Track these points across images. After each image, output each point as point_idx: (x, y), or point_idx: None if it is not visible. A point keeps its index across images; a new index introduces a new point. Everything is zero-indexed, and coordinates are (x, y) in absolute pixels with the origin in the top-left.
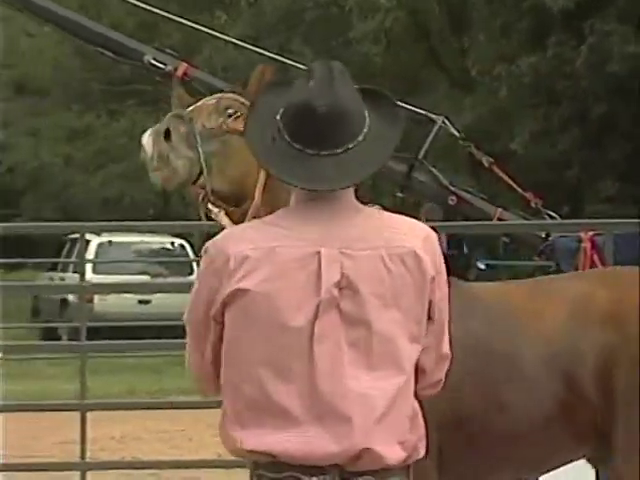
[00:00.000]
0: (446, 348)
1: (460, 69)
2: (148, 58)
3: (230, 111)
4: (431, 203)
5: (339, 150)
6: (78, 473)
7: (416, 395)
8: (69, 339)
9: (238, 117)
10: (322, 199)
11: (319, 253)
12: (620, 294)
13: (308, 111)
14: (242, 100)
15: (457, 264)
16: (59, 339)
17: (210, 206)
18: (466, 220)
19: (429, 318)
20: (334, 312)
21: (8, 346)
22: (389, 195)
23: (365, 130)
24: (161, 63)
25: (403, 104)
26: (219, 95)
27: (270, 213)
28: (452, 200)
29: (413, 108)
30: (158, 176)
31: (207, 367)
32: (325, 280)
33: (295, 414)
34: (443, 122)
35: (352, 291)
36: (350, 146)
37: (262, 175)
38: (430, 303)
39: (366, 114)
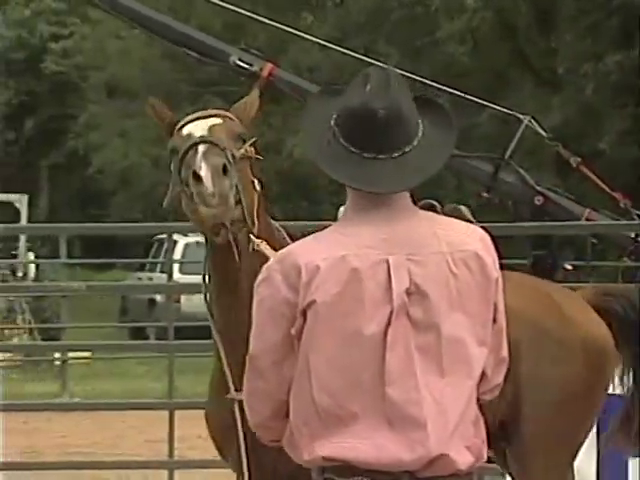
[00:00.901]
0: (505, 352)
1: (547, 68)
2: (234, 59)
3: (243, 137)
4: (454, 204)
5: (396, 154)
6: (166, 471)
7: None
8: (157, 338)
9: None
10: (381, 204)
11: (387, 261)
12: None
13: (367, 115)
14: (240, 123)
15: (543, 264)
16: (147, 338)
17: (252, 237)
18: (553, 220)
19: (493, 321)
20: (404, 319)
21: (97, 345)
22: (474, 195)
23: (419, 135)
24: (247, 64)
25: (489, 104)
26: (213, 112)
27: (265, 240)
28: (539, 200)
29: (499, 108)
30: (215, 213)
31: (281, 397)
32: (395, 288)
33: (367, 422)
34: (529, 122)
35: (421, 297)
36: (406, 150)
37: (256, 200)
38: (494, 305)
39: (419, 120)
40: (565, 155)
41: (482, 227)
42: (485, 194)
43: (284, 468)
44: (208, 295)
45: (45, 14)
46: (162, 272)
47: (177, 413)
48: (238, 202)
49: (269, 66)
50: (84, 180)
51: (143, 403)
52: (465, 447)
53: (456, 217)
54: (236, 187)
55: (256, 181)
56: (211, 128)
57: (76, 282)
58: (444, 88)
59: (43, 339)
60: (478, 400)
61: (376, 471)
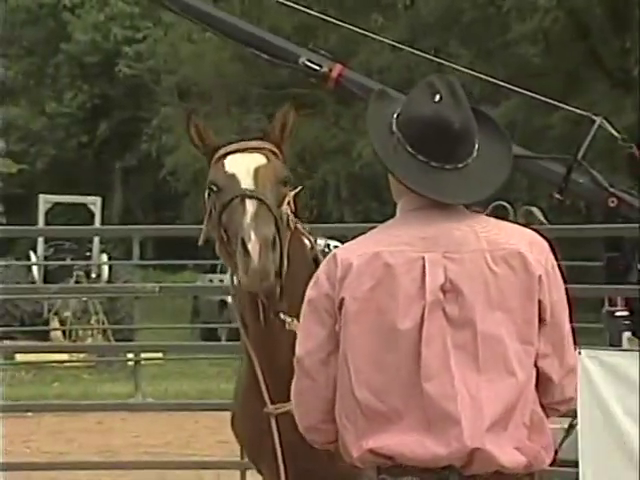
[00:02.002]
0: (572, 360)
1: (621, 69)
2: (303, 60)
3: (288, 179)
4: (526, 206)
5: (460, 165)
6: (238, 472)
7: (545, 410)
8: (228, 340)
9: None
10: (433, 207)
11: (423, 258)
12: None
13: (441, 125)
14: (279, 147)
15: (617, 266)
16: (219, 340)
17: (282, 316)
18: (627, 222)
19: (541, 320)
20: (440, 315)
21: (169, 346)
22: (546, 197)
23: (477, 147)
24: (316, 64)
25: (561, 104)
26: (256, 145)
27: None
28: (612, 202)
29: (571, 108)
30: (255, 285)
31: (329, 396)
32: (429, 284)
33: (408, 417)
34: (602, 122)
35: (456, 294)
36: (469, 162)
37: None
38: (540, 303)
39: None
40: (639, 156)
41: (555, 229)
42: (557, 195)
43: (321, 477)
44: (238, 300)
45: (119, 18)
46: None
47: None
48: (278, 272)
49: (338, 67)
50: (157, 182)
51: (215, 404)
52: (514, 447)
53: (528, 219)
54: (280, 256)
55: (292, 216)
56: (257, 173)
57: (149, 283)
58: (517, 89)
59: (116, 340)
60: (543, 407)
61: (425, 469)
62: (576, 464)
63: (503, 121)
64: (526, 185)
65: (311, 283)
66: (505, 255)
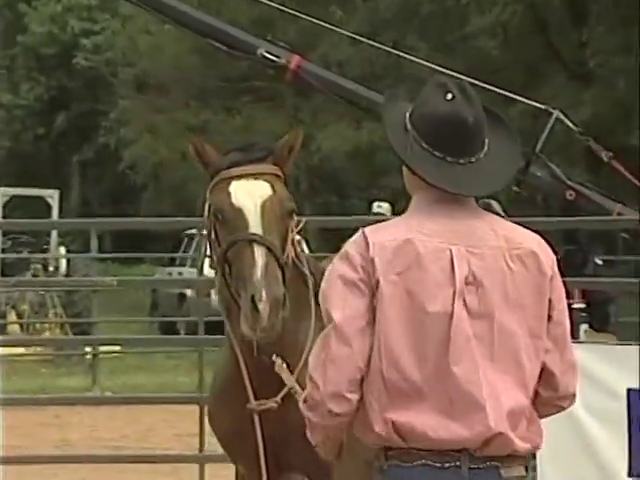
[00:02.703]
0: (572, 356)
1: (578, 62)
2: (261, 51)
3: (292, 211)
4: (485, 199)
5: (473, 159)
6: (196, 465)
7: (548, 406)
8: (187, 333)
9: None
10: (448, 201)
11: (450, 250)
12: None
13: (457, 121)
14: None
15: (574, 259)
16: (177, 333)
17: (274, 358)
18: (584, 215)
19: (548, 318)
20: (461, 304)
21: (128, 339)
22: (505, 189)
23: (487, 143)
24: (274, 56)
25: (519, 97)
26: (261, 170)
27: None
28: (570, 195)
29: (528, 101)
30: (257, 339)
31: (360, 365)
32: (458, 273)
33: (431, 397)
34: (558, 115)
35: (477, 286)
36: (481, 156)
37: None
38: (550, 302)
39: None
40: (596, 150)
41: (512, 222)
42: (515, 188)
43: (301, 472)
44: (221, 294)
45: (76, 10)
46: (192, 267)
47: (207, 407)
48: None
49: (296, 58)
50: (115, 175)
51: (173, 397)
52: (519, 438)
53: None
54: (284, 301)
55: (293, 256)
56: (264, 210)
57: (107, 277)
58: (475, 82)
59: (74, 333)
60: (543, 405)
61: (438, 452)
62: (534, 456)
63: None
64: None
65: (338, 259)
66: (521, 254)
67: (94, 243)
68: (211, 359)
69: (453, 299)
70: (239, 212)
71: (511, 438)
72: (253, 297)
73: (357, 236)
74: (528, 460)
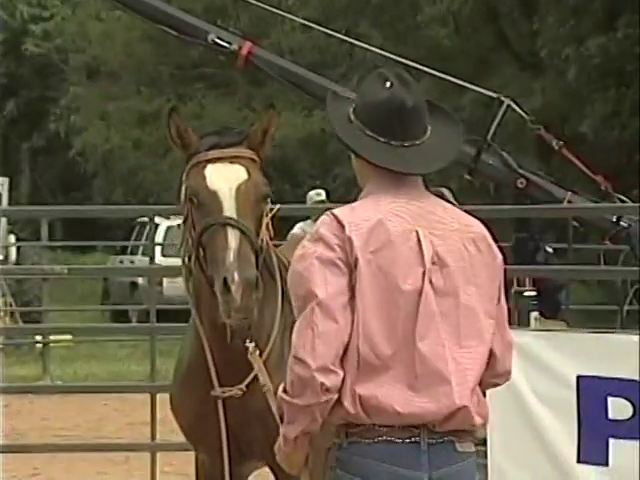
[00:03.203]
0: (509, 335)
1: (529, 51)
2: (212, 37)
3: (268, 196)
4: (437, 187)
5: (418, 142)
6: (148, 454)
7: (484, 384)
8: (139, 321)
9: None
10: (402, 185)
11: (417, 231)
12: None
13: (396, 106)
14: (257, 154)
15: (525, 247)
16: (129, 321)
17: (248, 343)
18: (535, 203)
19: (498, 300)
20: (429, 283)
21: (79, 328)
22: (456, 178)
23: (429, 127)
24: (225, 42)
25: (470, 85)
26: (236, 152)
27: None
28: (521, 183)
29: (480, 89)
30: (235, 323)
31: (345, 340)
32: (426, 252)
33: (397, 372)
34: (510, 104)
35: (441, 266)
36: (425, 139)
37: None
38: (499, 285)
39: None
40: (547, 138)
41: (464, 210)
42: (467, 176)
43: (260, 458)
44: (191, 281)
45: None
46: (144, 255)
47: (159, 396)
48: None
49: (248, 44)
50: (66, 163)
51: (125, 386)
52: (476, 412)
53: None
54: (256, 282)
55: (267, 240)
56: (238, 193)
57: (58, 265)
58: (428, 70)
59: (24, 322)
60: (482, 382)
61: (398, 427)
62: (485, 442)
63: None
64: None
65: (311, 239)
66: (474, 237)
67: (44, 231)
68: (163, 348)
69: (423, 278)
70: (214, 195)
71: (472, 412)
72: (225, 279)
73: (325, 218)
74: (479, 435)
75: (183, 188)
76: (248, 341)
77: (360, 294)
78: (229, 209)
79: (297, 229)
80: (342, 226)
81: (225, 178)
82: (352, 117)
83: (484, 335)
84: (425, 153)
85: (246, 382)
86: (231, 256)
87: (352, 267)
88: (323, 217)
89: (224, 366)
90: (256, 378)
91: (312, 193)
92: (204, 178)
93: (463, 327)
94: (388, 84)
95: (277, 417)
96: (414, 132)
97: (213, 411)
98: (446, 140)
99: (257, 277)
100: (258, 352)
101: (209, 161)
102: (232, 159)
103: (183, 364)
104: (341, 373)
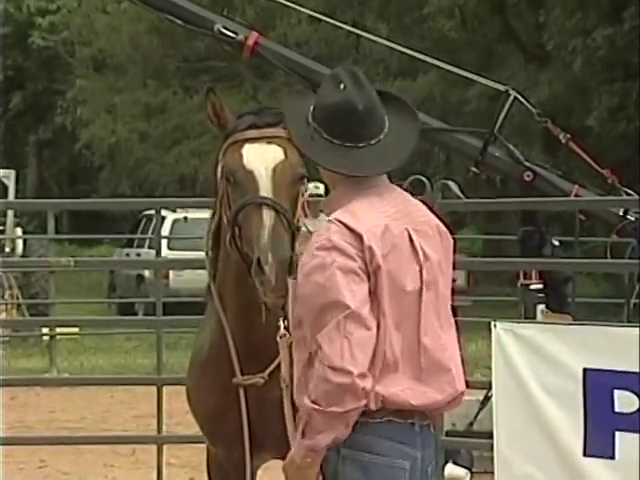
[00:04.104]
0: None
1: (535, 43)
2: (218, 27)
3: (304, 177)
4: (443, 181)
5: (373, 142)
6: (154, 446)
7: None
8: (145, 314)
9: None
10: (371, 186)
11: (407, 228)
12: None
13: (348, 109)
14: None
15: (532, 240)
16: (135, 314)
17: (281, 323)
18: (541, 196)
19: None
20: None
21: (85, 321)
22: (463, 170)
23: (387, 124)
24: (231, 32)
25: (477, 77)
26: (274, 133)
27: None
28: (528, 176)
29: (486, 81)
30: (271, 302)
31: (373, 346)
32: (419, 249)
33: (406, 368)
34: (516, 95)
35: (426, 260)
36: (380, 138)
37: None
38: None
39: (385, 111)
40: (554, 131)
41: (471, 202)
42: (474, 169)
43: (277, 451)
44: (212, 273)
45: None
46: (150, 248)
47: (165, 388)
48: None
49: (254, 35)
50: (72, 156)
51: (131, 378)
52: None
53: (445, 194)
54: (290, 264)
55: (303, 220)
56: (274, 173)
57: (64, 258)
58: (435, 61)
59: (31, 315)
60: None
61: (401, 410)
62: (491, 435)
63: (420, 95)
64: (443, 159)
65: (322, 250)
66: (436, 226)
67: (51, 224)
68: (169, 340)
69: (420, 276)
70: (250, 175)
71: (464, 396)
72: (259, 259)
73: (333, 226)
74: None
75: (219, 166)
76: (281, 322)
77: (380, 299)
78: (265, 189)
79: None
80: (357, 235)
81: (262, 158)
82: (310, 119)
83: (451, 319)
84: (380, 153)
85: (269, 370)
86: (265, 236)
87: (370, 275)
88: (329, 225)
89: (246, 354)
90: (278, 368)
91: (310, 185)
92: (241, 157)
93: (442, 315)
94: (342, 86)
95: (289, 425)
96: (367, 133)
97: (233, 403)
98: (403, 137)
99: (292, 258)
100: (288, 336)
101: (246, 140)
102: (269, 139)
103: (201, 355)
104: (371, 377)
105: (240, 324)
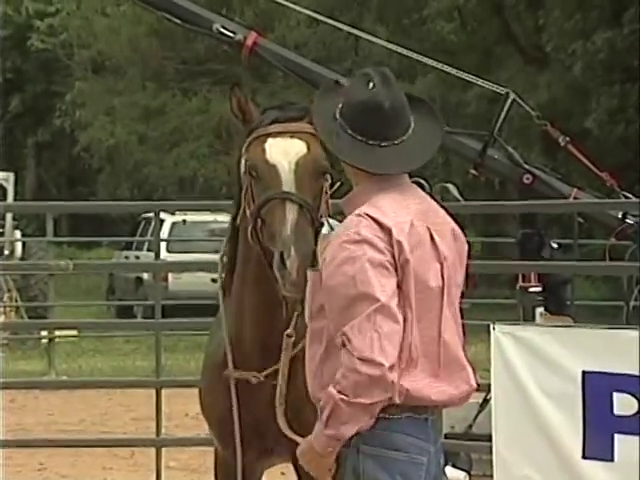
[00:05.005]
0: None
1: (535, 46)
2: (217, 26)
3: (327, 171)
4: (442, 183)
5: (396, 142)
6: (153, 449)
7: None
8: (144, 317)
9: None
10: (394, 184)
11: (428, 227)
12: None
13: (375, 107)
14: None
15: (531, 243)
16: (134, 317)
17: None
18: (540, 199)
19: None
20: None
21: (84, 323)
22: (462, 173)
23: (412, 126)
24: (230, 32)
25: (475, 79)
26: (298, 128)
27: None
28: (527, 179)
29: (485, 82)
30: (291, 296)
31: (401, 339)
32: (440, 246)
33: (426, 364)
34: (515, 98)
35: (444, 259)
36: (404, 139)
37: None
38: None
39: (410, 113)
40: (553, 134)
41: (470, 205)
42: (473, 171)
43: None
44: (224, 275)
45: None
46: (149, 250)
47: (164, 391)
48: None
49: (253, 35)
50: (71, 158)
51: (130, 381)
52: None
53: (443, 196)
54: (313, 259)
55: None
56: (297, 167)
57: (63, 260)
58: (432, 63)
59: (30, 317)
60: None
61: (416, 406)
62: (490, 438)
63: None
64: (442, 161)
65: (351, 243)
66: (452, 228)
67: (50, 226)
68: (168, 343)
69: (442, 274)
70: (273, 169)
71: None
72: (282, 254)
73: (361, 220)
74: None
75: (242, 161)
76: (294, 319)
77: (407, 293)
78: (288, 183)
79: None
80: (387, 229)
81: (285, 152)
82: (337, 114)
83: (459, 319)
84: (402, 153)
85: (267, 372)
86: (288, 230)
87: (398, 269)
88: (358, 218)
89: (263, 349)
90: (289, 372)
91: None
92: (264, 152)
93: (452, 312)
94: (371, 85)
95: (280, 422)
96: (392, 133)
97: (244, 404)
98: (426, 139)
99: (315, 253)
100: (292, 340)
101: (269, 135)
102: (292, 134)
103: (215, 357)
104: (398, 369)
105: (259, 319)
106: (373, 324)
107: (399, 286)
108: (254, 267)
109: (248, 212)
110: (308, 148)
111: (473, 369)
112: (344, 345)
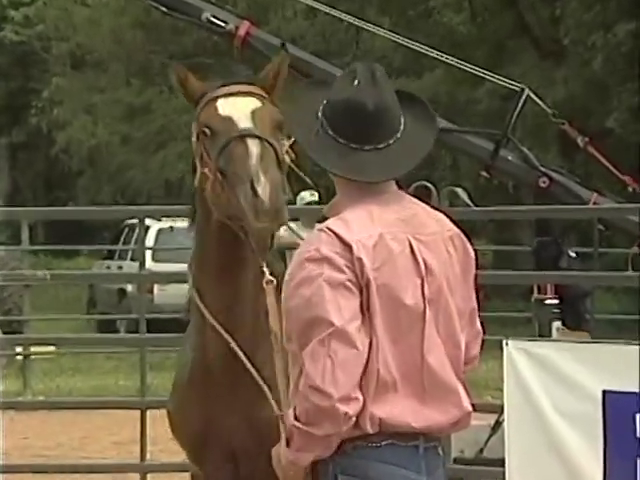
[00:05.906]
0: (479, 325)
1: (551, 38)
2: (207, 15)
3: (282, 125)
4: (451, 187)
5: (381, 146)
6: (137, 475)
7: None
8: (127, 332)
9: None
10: (374, 191)
11: (409, 238)
12: None
13: (356, 108)
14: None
15: (548, 251)
16: (116, 332)
17: (265, 269)
18: (557, 204)
19: (469, 297)
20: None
21: (62, 339)
22: (472, 176)
23: (401, 129)
24: (221, 21)
25: (487, 74)
26: (247, 89)
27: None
28: (544, 182)
29: (497, 77)
30: (268, 227)
31: (364, 363)
32: (420, 260)
33: (406, 388)
34: (529, 96)
35: (429, 274)
36: (390, 142)
37: None
38: (472, 281)
39: (401, 114)
40: (571, 134)
41: (481, 211)
42: (484, 173)
43: None
44: (194, 285)
45: None
46: (133, 260)
47: (149, 412)
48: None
49: (246, 24)
50: (48, 160)
51: (112, 401)
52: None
53: (452, 201)
54: (283, 188)
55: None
56: (254, 115)
57: (40, 270)
58: (441, 57)
59: (4, 332)
60: None
61: (402, 433)
62: (502, 463)
63: (426, 94)
64: (450, 163)
65: (310, 262)
66: (452, 236)
67: (25, 234)
68: (154, 360)
69: (422, 289)
70: (228, 119)
71: (471, 416)
72: (252, 182)
73: (323, 235)
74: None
75: (194, 131)
76: (265, 268)
77: (372, 314)
78: (246, 125)
79: (283, 231)
80: (348, 245)
81: (238, 107)
82: (320, 112)
83: (458, 336)
84: (386, 159)
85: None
86: (254, 160)
87: (362, 288)
88: (319, 234)
89: (229, 321)
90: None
91: (305, 193)
92: (216, 109)
93: (443, 332)
94: (356, 82)
95: (279, 379)
96: (376, 136)
97: (214, 428)
98: (416, 143)
99: (283, 181)
100: (275, 283)
101: (220, 96)
102: (244, 93)
103: (181, 377)
104: (361, 398)
105: (222, 288)
106: (327, 349)
107: (364, 307)
108: (215, 236)
109: (206, 170)
110: (262, 103)
111: (467, 390)
112: (301, 371)
